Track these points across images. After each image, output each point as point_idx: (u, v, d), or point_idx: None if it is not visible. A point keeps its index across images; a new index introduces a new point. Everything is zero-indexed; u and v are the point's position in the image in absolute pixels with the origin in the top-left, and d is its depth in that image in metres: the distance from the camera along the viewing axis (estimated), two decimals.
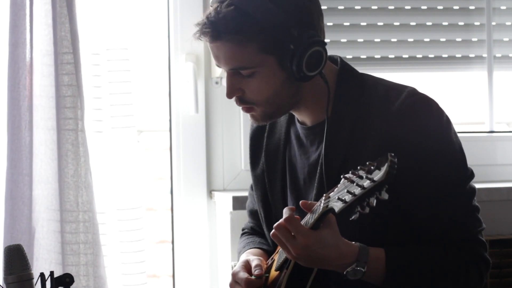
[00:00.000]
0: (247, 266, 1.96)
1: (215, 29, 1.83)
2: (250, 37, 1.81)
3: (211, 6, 1.86)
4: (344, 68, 1.95)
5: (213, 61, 2.84)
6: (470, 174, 1.88)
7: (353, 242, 1.78)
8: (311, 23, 1.85)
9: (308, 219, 1.76)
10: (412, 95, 1.86)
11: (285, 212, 1.75)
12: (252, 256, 1.99)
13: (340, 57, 1.97)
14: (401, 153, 1.77)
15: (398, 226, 1.84)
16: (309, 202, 1.80)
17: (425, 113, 1.84)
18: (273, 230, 1.75)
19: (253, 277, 1.92)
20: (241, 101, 1.90)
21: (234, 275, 1.95)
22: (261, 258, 1.99)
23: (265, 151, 2.06)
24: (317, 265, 1.78)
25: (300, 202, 1.81)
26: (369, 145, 1.84)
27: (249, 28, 1.81)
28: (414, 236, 1.84)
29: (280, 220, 1.75)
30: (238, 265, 1.98)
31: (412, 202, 1.82)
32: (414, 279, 1.81)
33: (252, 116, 1.93)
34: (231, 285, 1.96)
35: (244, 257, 2.02)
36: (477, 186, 1.91)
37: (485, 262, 1.86)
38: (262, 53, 1.83)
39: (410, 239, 1.84)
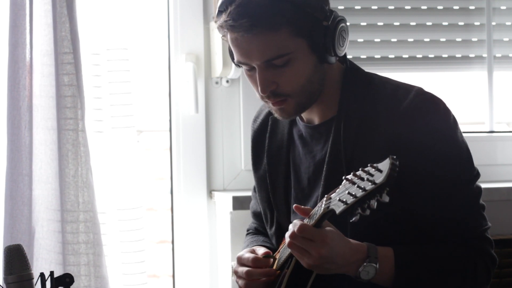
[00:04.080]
0: (253, 252, 1.95)
1: (251, 18, 1.79)
2: (286, 20, 1.79)
3: (226, 5, 1.81)
4: (351, 67, 1.95)
5: (215, 61, 2.88)
6: (477, 174, 1.89)
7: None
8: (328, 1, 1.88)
9: (309, 221, 1.75)
10: (420, 94, 1.86)
11: (295, 223, 1.73)
12: (259, 248, 1.98)
13: (347, 56, 1.97)
14: (408, 152, 1.79)
15: (405, 225, 1.84)
16: (303, 207, 1.79)
17: (433, 112, 1.85)
18: (289, 240, 1.73)
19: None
20: (274, 95, 1.87)
21: (240, 258, 1.94)
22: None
23: (267, 152, 2.06)
24: (338, 267, 1.74)
25: (294, 206, 1.80)
26: (376, 144, 1.84)
27: (284, 10, 1.79)
28: (422, 235, 1.84)
29: (292, 230, 1.72)
30: (243, 251, 1.97)
31: (420, 201, 1.83)
32: (424, 277, 1.81)
33: (282, 111, 1.89)
34: (235, 270, 1.94)
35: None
36: None
37: (492, 259, 1.87)
38: (295, 36, 1.81)
39: (417, 238, 1.85)
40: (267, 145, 2.06)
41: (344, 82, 1.93)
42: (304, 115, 1.98)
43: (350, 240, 1.76)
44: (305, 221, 1.77)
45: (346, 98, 1.91)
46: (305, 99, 1.88)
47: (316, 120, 1.96)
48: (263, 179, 2.07)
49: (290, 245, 1.73)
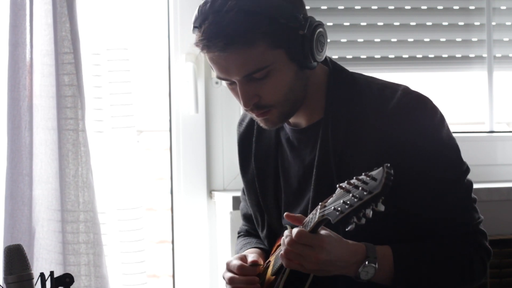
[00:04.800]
0: (242, 258, 1.95)
1: (226, 37, 1.77)
2: (261, 34, 1.77)
3: (200, 23, 1.81)
4: (335, 68, 1.94)
5: None
6: (466, 169, 1.90)
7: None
8: (303, 6, 1.86)
9: (303, 228, 1.74)
10: (407, 93, 1.86)
11: (292, 231, 1.73)
12: (250, 254, 1.99)
13: (329, 58, 1.96)
14: (398, 151, 1.79)
15: (399, 224, 1.85)
16: (294, 214, 1.79)
17: (420, 112, 1.85)
18: (287, 247, 1.72)
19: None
20: (258, 107, 1.85)
21: (228, 264, 1.94)
22: (258, 255, 1.98)
23: (254, 156, 2.05)
24: (337, 269, 1.74)
25: (285, 214, 1.80)
26: (365, 145, 1.84)
27: (259, 24, 1.77)
28: (416, 233, 1.85)
29: (289, 237, 1.72)
30: (233, 257, 1.98)
31: (412, 199, 1.83)
32: (422, 274, 1.81)
33: (267, 121, 1.88)
34: (223, 276, 1.95)
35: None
36: (477, 186, 1.94)
37: (487, 251, 1.88)
38: (272, 48, 1.80)
39: (412, 237, 1.85)
40: (254, 149, 2.05)
41: (328, 84, 1.92)
42: (293, 118, 1.96)
43: (348, 241, 1.76)
44: (300, 228, 1.76)
45: (332, 100, 1.90)
46: (288, 107, 1.87)
47: (303, 124, 1.95)
48: (252, 183, 2.06)
49: (287, 252, 1.73)
